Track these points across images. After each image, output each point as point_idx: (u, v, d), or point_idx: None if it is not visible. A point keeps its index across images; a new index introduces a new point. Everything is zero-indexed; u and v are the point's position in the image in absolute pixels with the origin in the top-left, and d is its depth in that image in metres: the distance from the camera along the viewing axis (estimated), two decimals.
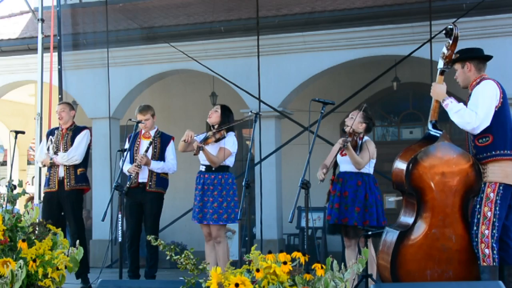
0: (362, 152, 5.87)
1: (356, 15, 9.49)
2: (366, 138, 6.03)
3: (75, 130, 7.07)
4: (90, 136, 7.16)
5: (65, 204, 6.93)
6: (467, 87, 4.87)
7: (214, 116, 6.41)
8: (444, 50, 4.79)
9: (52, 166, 6.95)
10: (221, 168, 6.34)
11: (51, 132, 7.21)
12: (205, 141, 6.22)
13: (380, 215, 5.89)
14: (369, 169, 5.96)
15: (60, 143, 6.99)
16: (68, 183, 6.89)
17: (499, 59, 5.03)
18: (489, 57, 4.89)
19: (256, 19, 9.46)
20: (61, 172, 6.91)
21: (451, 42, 4.76)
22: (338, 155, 6.03)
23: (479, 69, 4.82)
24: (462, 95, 5.36)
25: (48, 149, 7.03)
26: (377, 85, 10.02)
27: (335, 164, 6.10)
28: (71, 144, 6.96)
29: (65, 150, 6.94)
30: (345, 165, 5.98)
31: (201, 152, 6.21)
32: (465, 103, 4.78)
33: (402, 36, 9.34)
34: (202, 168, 6.41)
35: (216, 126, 6.37)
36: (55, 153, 6.95)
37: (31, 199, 9.99)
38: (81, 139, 6.98)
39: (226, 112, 6.45)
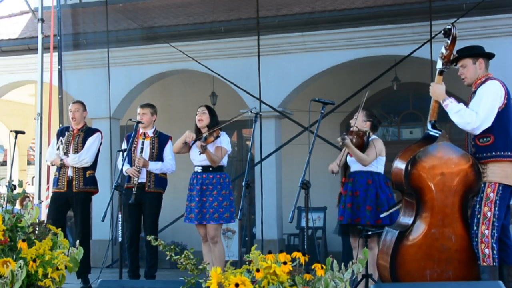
0: (368, 150, 5.88)
1: (356, 15, 9.50)
2: (373, 136, 6.04)
3: (87, 131, 7.02)
4: (101, 139, 7.10)
5: (73, 205, 6.91)
6: (471, 85, 4.84)
7: (205, 118, 6.49)
8: (443, 50, 4.79)
9: (62, 166, 6.91)
10: (218, 167, 6.40)
11: (61, 132, 7.14)
12: (205, 140, 6.26)
13: (393, 213, 5.80)
14: (377, 166, 5.94)
15: (70, 144, 6.92)
16: (77, 185, 6.85)
17: (499, 59, 5.02)
18: (492, 56, 4.90)
19: (256, 19, 9.47)
20: (70, 173, 6.87)
21: (449, 42, 4.77)
22: (348, 156, 6.04)
23: (487, 67, 4.83)
24: (462, 95, 5.36)
25: (58, 149, 6.98)
26: (377, 85, 10.01)
27: (346, 166, 6.10)
28: (82, 146, 6.90)
29: (75, 151, 6.88)
30: (355, 164, 6.00)
31: (196, 153, 6.31)
32: (466, 103, 4.77)
33: (402, 36, 9.35)
34: (198, 169, 6.43)
35: (206, 128, 6.43)
36: (65, 153, 6.90)
37: (24, 198, 9.94)
38: (93, 142, 6.94)
39: (212, 112, 6.57)
